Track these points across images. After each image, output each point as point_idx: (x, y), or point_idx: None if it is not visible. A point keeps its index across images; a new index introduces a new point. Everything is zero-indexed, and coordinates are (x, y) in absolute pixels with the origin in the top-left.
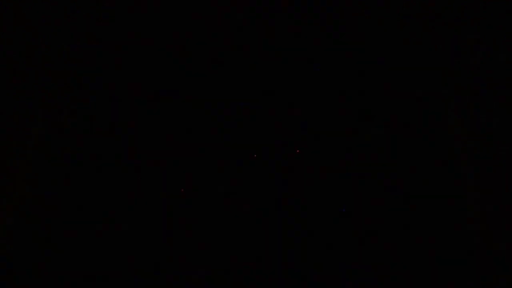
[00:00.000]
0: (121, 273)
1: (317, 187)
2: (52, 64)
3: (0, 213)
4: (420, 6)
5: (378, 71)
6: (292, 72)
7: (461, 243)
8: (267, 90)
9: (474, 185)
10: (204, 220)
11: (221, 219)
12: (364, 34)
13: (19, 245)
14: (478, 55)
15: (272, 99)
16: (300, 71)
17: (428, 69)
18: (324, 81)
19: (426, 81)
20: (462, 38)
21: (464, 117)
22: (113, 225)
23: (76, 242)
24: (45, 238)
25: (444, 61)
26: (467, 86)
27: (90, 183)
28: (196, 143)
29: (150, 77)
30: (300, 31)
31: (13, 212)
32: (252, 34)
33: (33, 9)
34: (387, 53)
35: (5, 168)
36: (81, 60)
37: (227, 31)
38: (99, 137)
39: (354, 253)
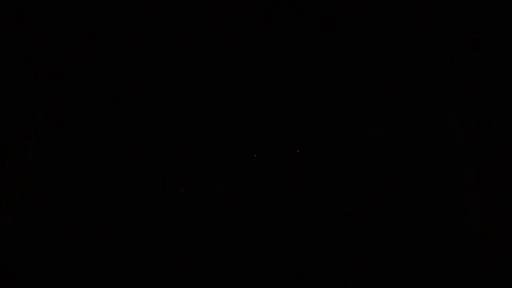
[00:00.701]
0: (121, 273)
1: (317, 187)
2: (52, 64)
3: (0, 213)
4: (420, 6)
5: (378, 71)
6: (292, 72)
7: (461, 243)
8: (267, 90)
9: (474, 185)
10: (204, 220)
11: (221, 219)
12: (364, 34)
13: (19, 245)
14: (478, 55)
15: (272, 99)
16: (300, 71)
17: (428, 69)
18: (324, 81)
19: (426, 81)
20: (462, 38)
21: (464, 117)
22: (113, 225)
23: (76, 242)
24: (45, 238)
25: (444, 61)
26: (467, 86)
27: (90, 183)
28: (196, 143)
29: (150, 77)
30: (300, 31)
31: (13, 212)
32: (252, 34)
33: (33, 9)
34: (387, 53)
35: (5, 168)
36: (81, 60)
37: (227, 31)
38: (99, 137)
39: (354, 253)
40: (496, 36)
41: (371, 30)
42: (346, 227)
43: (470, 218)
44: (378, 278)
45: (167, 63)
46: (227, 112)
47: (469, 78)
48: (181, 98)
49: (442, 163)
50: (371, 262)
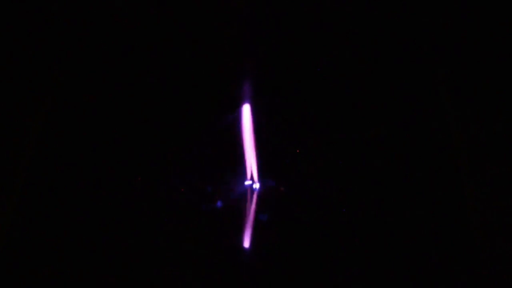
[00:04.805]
0: (121, 273)
1: (317, 187)
2: (52, 64)
3: (0, 213)
4: (420, 6)
5: (378, 71)
6: (292, 72)
7: (461, 243)
8: (267, 90)
9: (474, 185)
10: (203, 220)
11: (221, 219)
12: (364, 34)
13: (19, 245)
14: (478, 55)
15: (272, 99)
16: (300, 71)
17: (428, 69)
18: (324, 81)
19: (426, 81)
20: (462, 38)
21: (464, 117)
22: (113, 225)
23: (75, 242)
24: (45, 238)
25: (444, 61)
26: (467, 86)
27: (90, 183)
28: (195, 143)
29: (149, 77)
30: (300, 31)
31: (13, 212)
32: (252, 34)
33: (33, 9)
34: (387, 53)
35: (5, 168)
36: (81, 60)
37: (227, 31)
38: (99, 137)
39: (354, 253)
40: (496, 36)
41: (371, 30)
42: (346, 227)
43: (470, 218)
44: (378, 278)
45: (167, 63)
46: (227, 112)
47: (469, 78)
48: (180, 98)
49: (442, 163)
50: (371, 262)
